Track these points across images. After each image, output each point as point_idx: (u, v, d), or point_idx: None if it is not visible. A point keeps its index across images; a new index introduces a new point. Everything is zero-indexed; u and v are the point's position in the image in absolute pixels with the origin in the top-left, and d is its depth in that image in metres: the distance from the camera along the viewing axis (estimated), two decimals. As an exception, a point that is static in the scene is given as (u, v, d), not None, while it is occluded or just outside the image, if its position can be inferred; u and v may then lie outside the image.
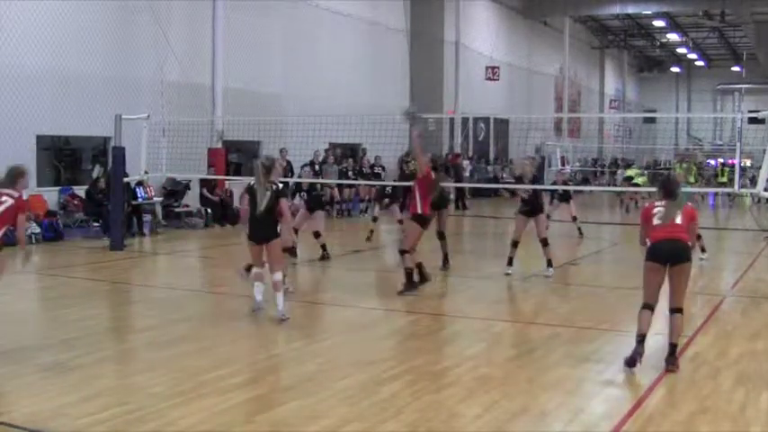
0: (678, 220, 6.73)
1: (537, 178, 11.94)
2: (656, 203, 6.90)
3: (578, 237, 15.99)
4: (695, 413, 5.30)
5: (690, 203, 7.25)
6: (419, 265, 9.59)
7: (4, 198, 6.94)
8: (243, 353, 6.83)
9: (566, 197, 16.57)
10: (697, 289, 11.03)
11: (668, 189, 6.98)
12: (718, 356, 6.83)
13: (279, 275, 8.11)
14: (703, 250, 12.61)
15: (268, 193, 8.08)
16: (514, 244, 11.03)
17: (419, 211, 9.53)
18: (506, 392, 5.74)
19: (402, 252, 9.62)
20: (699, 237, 12.25)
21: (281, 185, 8.45)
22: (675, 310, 6.54)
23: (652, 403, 5.50)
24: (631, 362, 6.36)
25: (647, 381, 6.03)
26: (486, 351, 7.27)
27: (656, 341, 7.62)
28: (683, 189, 11.81)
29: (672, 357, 6.38)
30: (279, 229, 8.38)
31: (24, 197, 7.21)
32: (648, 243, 6.76)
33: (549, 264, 10.97)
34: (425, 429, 5.02)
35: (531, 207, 10.95)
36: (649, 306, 6.57)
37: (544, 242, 10.95)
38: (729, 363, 6.64)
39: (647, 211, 6.92)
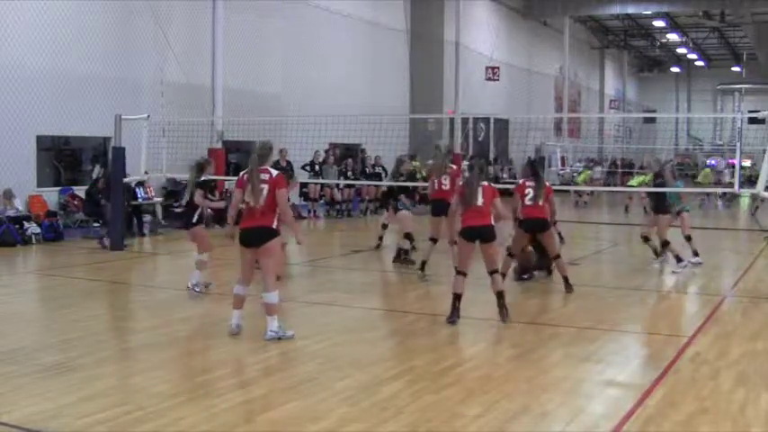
0: (540, 202, 9.29)
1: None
2: (527, 183, 9.37)
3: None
4: (695, 413, 5.30)
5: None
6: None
7: (262, 185, 6.93)
8: (243, 353, 6.83)
9: None
10: (697, 289, 11.05)
11: (534, 171, 9.50)
12: (718, 356, 6.83)
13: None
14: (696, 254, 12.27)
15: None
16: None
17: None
18: (506, 392, 5.74)
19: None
20: (689, 238, 12.28)
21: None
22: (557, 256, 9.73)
23: (652, 403, 5.50)
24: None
25: (647, 381, 6.03)
26: (486, 351, 7.28)
27: (657, 341, 7.64)
28: (677, 189, 11.93)
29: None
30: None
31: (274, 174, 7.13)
32: (521, 217, 9.32)
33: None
34: (425, 429, 5.01)
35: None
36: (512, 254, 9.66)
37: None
38: (729, 363, 6.63)
39: (520, 188, 9.40)
